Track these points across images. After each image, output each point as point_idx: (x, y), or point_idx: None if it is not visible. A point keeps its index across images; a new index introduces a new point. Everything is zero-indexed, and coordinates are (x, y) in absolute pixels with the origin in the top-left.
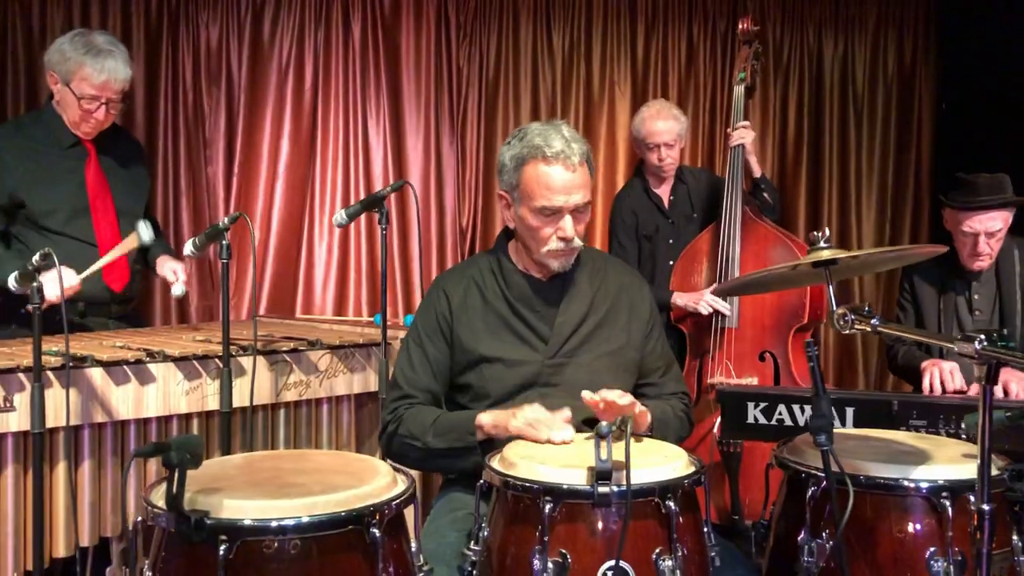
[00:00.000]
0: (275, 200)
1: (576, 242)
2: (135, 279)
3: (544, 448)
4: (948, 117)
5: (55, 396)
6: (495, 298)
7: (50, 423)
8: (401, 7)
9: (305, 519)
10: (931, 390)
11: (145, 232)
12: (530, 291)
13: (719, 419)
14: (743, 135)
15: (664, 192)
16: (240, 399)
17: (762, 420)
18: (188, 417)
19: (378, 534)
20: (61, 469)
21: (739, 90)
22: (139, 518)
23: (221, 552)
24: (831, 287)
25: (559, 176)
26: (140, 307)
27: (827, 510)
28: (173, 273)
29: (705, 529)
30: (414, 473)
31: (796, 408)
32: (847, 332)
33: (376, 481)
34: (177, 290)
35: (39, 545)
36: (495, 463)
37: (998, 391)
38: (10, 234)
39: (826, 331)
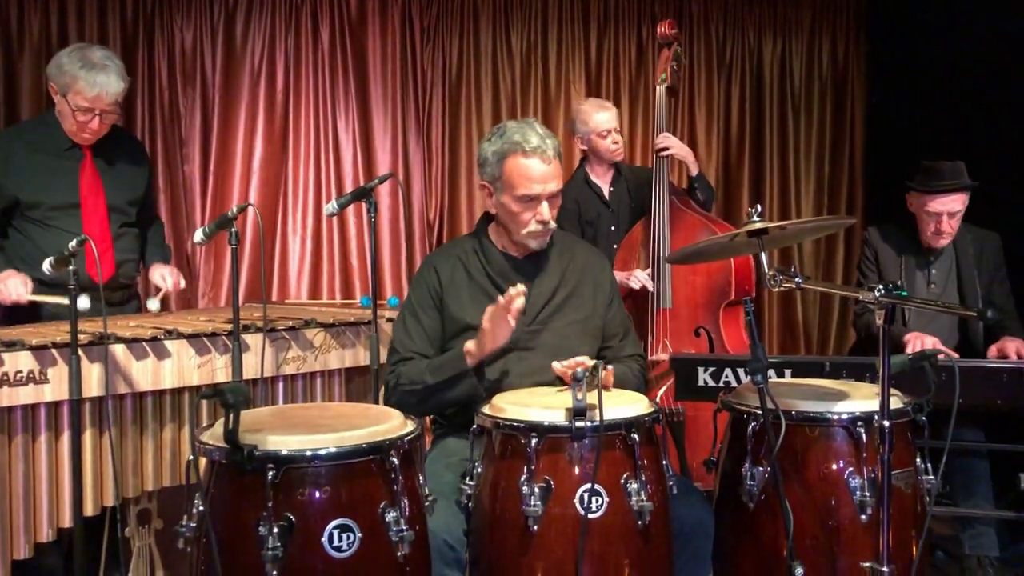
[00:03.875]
0: (250, 196)
1: (552, 224)
2: (120, 271)
3: (527, 395)
4: (878, 112)
5: (84, 370)
6: (478, 274)
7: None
8: (367, 12)
9: (333, 449)
10: None
11: (83, 302)
12: (509, 267)
13: (660, 391)
14: (666, 142)
15: (604, 183)
16: (244, 372)
17: (711, 383)
18: (199, 388)
19: (396, 463)
20: (88, 436)
21: (661, 90)
22: (191, 457)
23: (269, 477)
24: (764, 253)
25: (537, 168)
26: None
27: (764, 442)
28: (162, 278)
29: (664, 462)
30: None
31: (740, 371)
32: (776, 289)
33: (390, 422)
34: (152, 306)
35: (78, 503)
36: (486, 410)
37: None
38: (10, 226)
39: (769, 305)
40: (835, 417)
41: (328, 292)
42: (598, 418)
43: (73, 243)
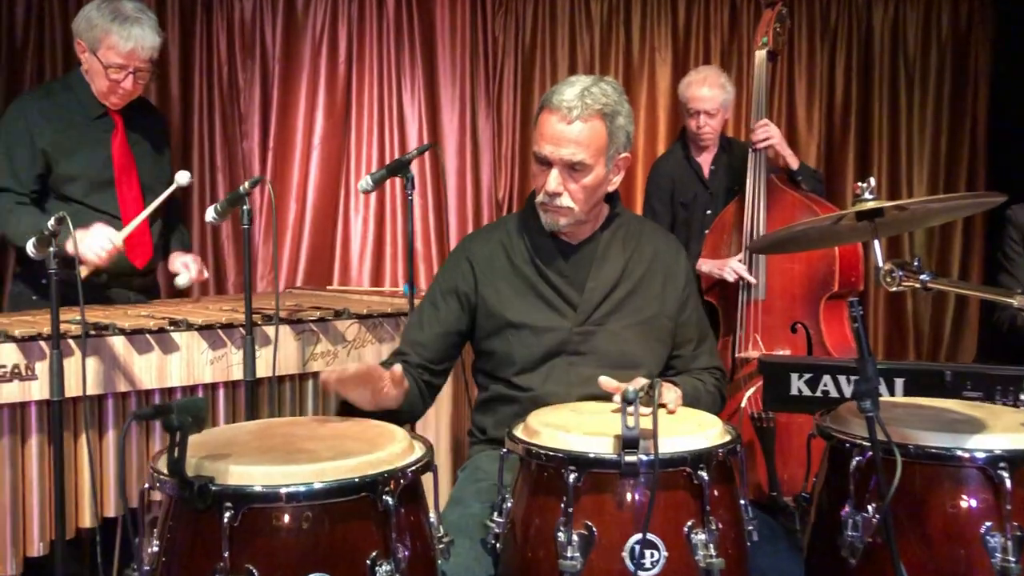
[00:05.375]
0: (310, 173)
1: (562, 200)
2: (158, 255)
3: (569, 416)
4: (1005, 82)
5: (76, 365)
6: (522, 261)
7: (72, 392)
8: None
9: (315, 486)
10: None
11: (183, 177)
12: (559, 254)
13: (747, 394)
14: (768, 134)
15: (705, 161)
16: (267, 369)
17: (806, 392)
18: (214, 387)
19: (391, 502)
20: (84, 439)
21: (761, 55)
22: (146, 485)
23: (225, 519)
24: (877, 241)
25: (553, 125)
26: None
27: (872, 482)
28: (184, 267)
29: (742, 502)
30: (442, 443)
31: (842, 379)
32: (894, 289)
33: (390, 447)
34: (181, 280)
35: (60, 516)
36: (518, 431)
37: None
38: (44, 201)
39: (875, 300)
40: (968, 455)
41: (391, 277)
42: (654, 450)
43: (51, 221)
